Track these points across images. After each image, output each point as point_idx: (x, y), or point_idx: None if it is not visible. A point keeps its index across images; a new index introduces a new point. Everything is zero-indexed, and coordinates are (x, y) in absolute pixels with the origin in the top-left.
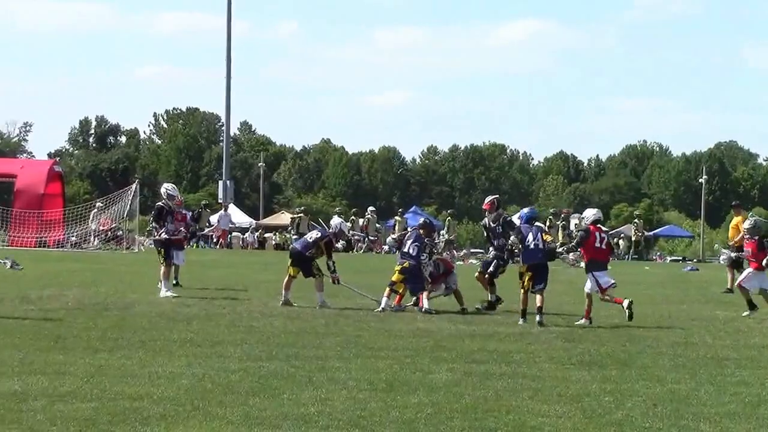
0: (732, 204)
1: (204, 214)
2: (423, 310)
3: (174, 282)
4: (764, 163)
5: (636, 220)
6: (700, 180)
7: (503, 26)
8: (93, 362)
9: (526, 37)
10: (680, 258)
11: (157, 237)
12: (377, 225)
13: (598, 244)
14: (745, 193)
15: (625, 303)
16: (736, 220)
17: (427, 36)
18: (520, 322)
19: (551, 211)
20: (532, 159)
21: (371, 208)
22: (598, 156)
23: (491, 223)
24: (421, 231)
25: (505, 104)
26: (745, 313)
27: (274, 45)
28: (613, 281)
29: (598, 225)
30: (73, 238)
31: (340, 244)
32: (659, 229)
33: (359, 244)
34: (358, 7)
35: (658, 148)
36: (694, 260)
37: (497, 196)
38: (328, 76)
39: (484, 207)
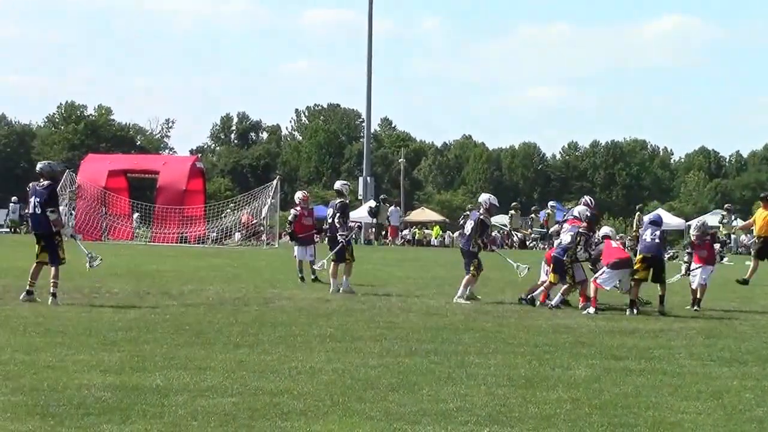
0: (761, 196)
1: (382, 208)
2: (551, 304)
3: (300, 276)
4: None
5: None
6: None
7: (646, 22)
8: (234, 357)
9: (669, 32)
10: None
11: (341, 235)
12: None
13: None
14: None
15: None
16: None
17: (570, 31)
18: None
19: (726, 207)
20: (673, 154)
21: (552, 202)
22: (738, 152)
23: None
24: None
25: (646, 100)
26: None
27: (416, 41)
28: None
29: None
30: (214, 234)
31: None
32: None
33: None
34: (501, 2)
35: None
36: None
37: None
38: (470, 72)
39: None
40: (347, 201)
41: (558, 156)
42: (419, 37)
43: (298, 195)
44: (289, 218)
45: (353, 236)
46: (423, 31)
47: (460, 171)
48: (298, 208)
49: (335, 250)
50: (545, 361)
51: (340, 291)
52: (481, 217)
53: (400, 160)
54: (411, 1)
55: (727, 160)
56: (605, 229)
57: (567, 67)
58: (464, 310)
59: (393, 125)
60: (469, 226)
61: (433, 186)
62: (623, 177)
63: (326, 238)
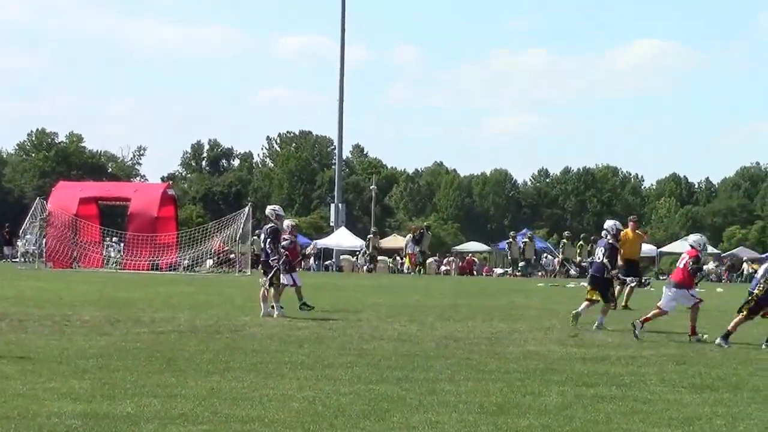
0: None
1: (426, 236)
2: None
3: (301, 302)
4: None
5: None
6: None
7: (617, 49)
8: (205, 385)
9: (640, 59)
10: None
11: (273, 260)
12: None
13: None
14: None
15: None
16: None
17: (540, 59)
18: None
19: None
20: (644, 181)
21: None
22: (708, 178)
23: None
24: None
25: (617, 126)
26: None
27: (388, 68)
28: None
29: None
30: (186, 261)
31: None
32: None
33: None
34: (474, 30)
35: None
36: None
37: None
38: (441, 99)
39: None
40: (277, 226)
41: (529, 182)
42: (391, 64)
43: (289, 223)
44: (285, 244)
45: (283, 262)
46: (395, 59)
47: (431, 198)
48: (288, 236)
49: (272, 276)
50: (516, 388)
51: (275, 315)
52: (610, 242)
53: (371, 187)
54: (385, 29)
55: (697, 186)
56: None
57: (538, 93)
58: (436, 338)
59: (365, 152)
60: (599, 253)
61: (405, 213)
62: (594, 203)
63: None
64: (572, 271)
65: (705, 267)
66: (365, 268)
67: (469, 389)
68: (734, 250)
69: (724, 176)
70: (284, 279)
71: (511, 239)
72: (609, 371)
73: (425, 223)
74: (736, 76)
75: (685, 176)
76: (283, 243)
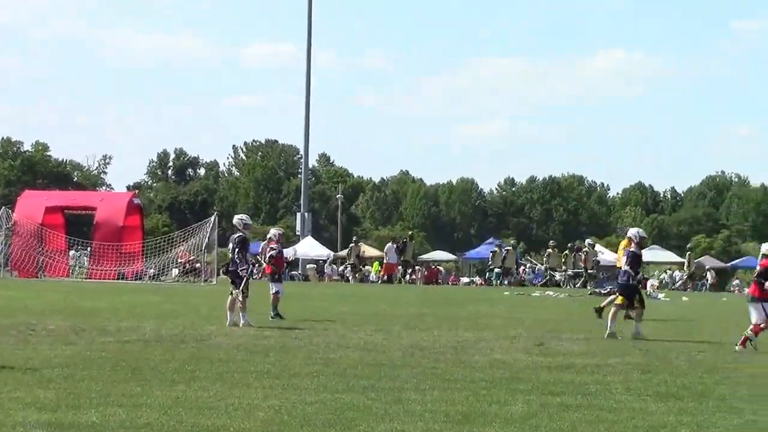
0: None
1: (409, 245)
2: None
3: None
4: None
5: (689, 253)
6: None
7: (584, 58)
8: (170, 394)
9: (607, 68)
10: None
11: (241, 270)
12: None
13: None
14: None
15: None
16: None
17: (509, 68)
18: None
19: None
20: (609, 190)
21: (589, 240)
22: (673, 188)
23: None
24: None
25: (584, 135)
26: None
27: (353, 77)
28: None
29: None
30: (152, 270)
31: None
32: (737, 261)
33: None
34: (441, 38)
35: (737, 179)
36: None
37: None
38: (407, 108)
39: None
40: (245, 235)
41: (495, 191)
42: (359, 72)
43: (276, 232)
44: (272, 254)
45: (253, 271)
46: (360, 67)
47: (397, 206)
48: (276, 245)
49: (241, 286)
50: (482, 397)
51: (240, 325)
52: (633, 250)
53: (337, 196)
54: (353, 34)
55: (663, 195)
56: None
57: (505, 102)
58: (402, 347)
59: (331, 161)
60: (623, 261)
61: (371, 222)
62: (560, 212)
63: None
64: (557, 277)
65: None
66: (349, 276)
67: (435, 398)
68: (699, 259)
69: (690, 185)
70: (274, 287)
71: (496, 248)
72: (574, 380)
73: (409, 233)
74: (703, 86)
75: (650, 185)
76: (271, 252)
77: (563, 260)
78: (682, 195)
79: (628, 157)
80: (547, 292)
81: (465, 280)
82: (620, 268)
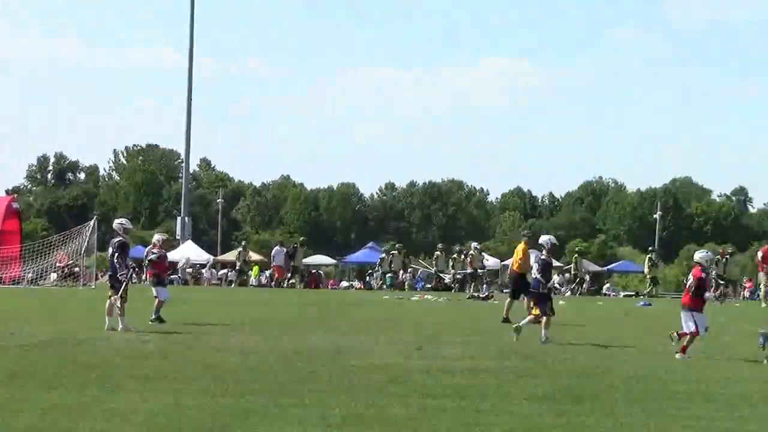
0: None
1: (299, 251)
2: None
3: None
4: (718, 199)
5: (576, 256)
6: (654, 216)
7: (465, 65)
8: (48, 399)
9: (487, 75)
10: (633, 293)
11: (121, 274)
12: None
13: None
14: (698, 229)
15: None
16: None
17: (388, 74)
18: None
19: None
20: (488, 195)
21: (475, 244)
22: (551, 193)
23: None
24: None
25: (464, 141)
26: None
27: (236, 82)
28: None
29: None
30: (30, 275)
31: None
32: (613, 265)
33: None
34: (320, 45)
35: (613, 184)
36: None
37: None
38: (288, 113)
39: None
40: (125, 240)
41: (376, 196)
42: (239, 77)
43: (160, 237)
44: (152, 258)
45: (132, 276)
46: (243, 72)
47: (278, 211)
48: (158, 249)
49: (121, 291)
50: (360, 401)
51: (119, 329)
52: (544, 258)
53: (218, 201)
54: (234, 41)
55: (541, 200)
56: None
57: (386, 108)
58: (280, 351)
59: (212, 165)
60: (536, 269)
61: (251, 226)
62: (440, 217)
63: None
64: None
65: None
66: (236, 281)
67: (312, 402)
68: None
69: (568, 190)
70: (156, 292)
71: (384, 254)
72: (453, 383)
73: (300, 238)
74: (580, 93)
75: (529, 190)
76: (151, 256)
77: (451, 263)
78: (560, 200)
79: (507, 162)
80: (426, 296)
81: (345, 284)
82: (517, 271)
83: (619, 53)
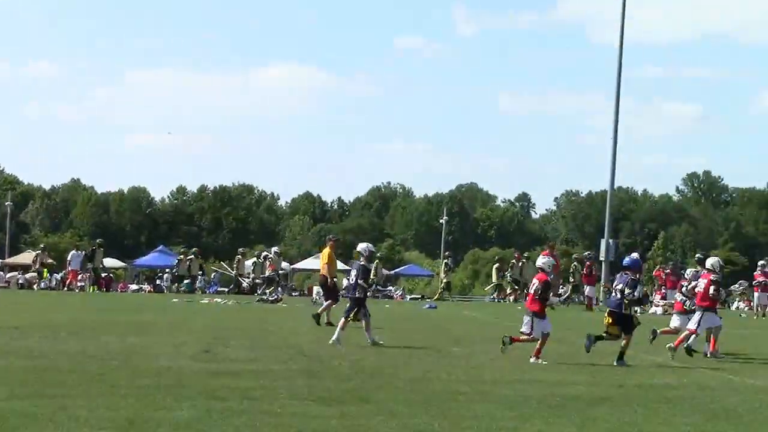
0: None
1: (98, 252)
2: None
3: None
4: (502, 205)
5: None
6: (441, 221)
7: (256, 69)
8: None
9: (278, 80)
10: (420, 296)
11: None
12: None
13: None
14: (483, 233)
15: None
16: None
17: (180, 77)
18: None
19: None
20: (279, 199)
21: (275, 248)
22: (340, 198)
23: None
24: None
25: (254, 145)
26: None
27: (24, 84)
28: None
29: None
30: None
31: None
32: (400, 268)
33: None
34: (109, 48)
35: (401, 190)
36: (435, 298)
37: None
38: (79, 116)
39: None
40: None
41: (167, 200)
42: (27, 79)
43: None
44: None
45: None
46: (31, 74)
47: (67, 214)
48: None
49: None
50: (148, 403)
51: None
52: (363, 264)
53: (7, 204)
54: (23, 44)
55: (330, 205)
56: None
57: (176, 112)
58: (69, 353)
59: (1, 168)
60: (353, 275)
61: (40, 229)
62: (230, 221)
63: None
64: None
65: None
66: (22, 282)
67: (101, 404)
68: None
69: (357, 195)
70: None
71: (181, 255)
72: (240, 385)
73: (98, 240)
74: (369, 99)
75: (318, 195)
76: None
77: (252, 267)
78: (349, 204)
79: (297, 167)
80: (215, 300)
81: (134, 287)
82: (325, 275)
83: (407, 61)
